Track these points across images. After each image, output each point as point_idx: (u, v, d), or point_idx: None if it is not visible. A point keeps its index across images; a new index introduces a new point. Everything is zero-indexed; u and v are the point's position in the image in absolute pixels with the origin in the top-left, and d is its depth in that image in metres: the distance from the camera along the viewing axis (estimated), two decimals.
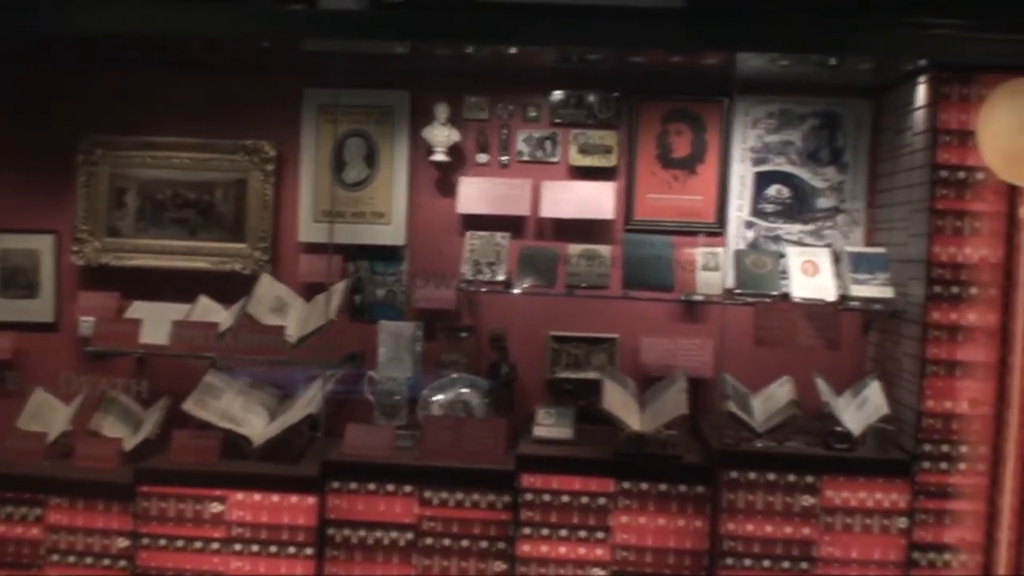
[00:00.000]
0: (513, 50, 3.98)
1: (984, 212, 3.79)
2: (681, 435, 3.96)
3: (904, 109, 4.08)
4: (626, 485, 3.84)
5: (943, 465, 3.81)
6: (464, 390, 4.17)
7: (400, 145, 4.41)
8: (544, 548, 3.85)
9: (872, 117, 4.40)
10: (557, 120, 4.41)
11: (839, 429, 3.88)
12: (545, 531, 3.84)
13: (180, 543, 3.88)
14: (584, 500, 3.84)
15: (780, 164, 4.38)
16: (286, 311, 4.24)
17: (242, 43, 4.06)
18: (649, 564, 3.84)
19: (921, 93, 3.93)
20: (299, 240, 4.46)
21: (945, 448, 3.81)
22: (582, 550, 3.85)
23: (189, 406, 4.03)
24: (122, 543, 3.89)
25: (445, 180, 4.44)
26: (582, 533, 3.84)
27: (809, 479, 3.82)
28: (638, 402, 4.11)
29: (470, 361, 4.37)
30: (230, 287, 4.34)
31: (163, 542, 3.88)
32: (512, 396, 4.28)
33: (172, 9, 3.73)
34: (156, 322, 4.14)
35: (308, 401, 4.07)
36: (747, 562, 3.82)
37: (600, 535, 3.84)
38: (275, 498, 3.85)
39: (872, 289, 4.05)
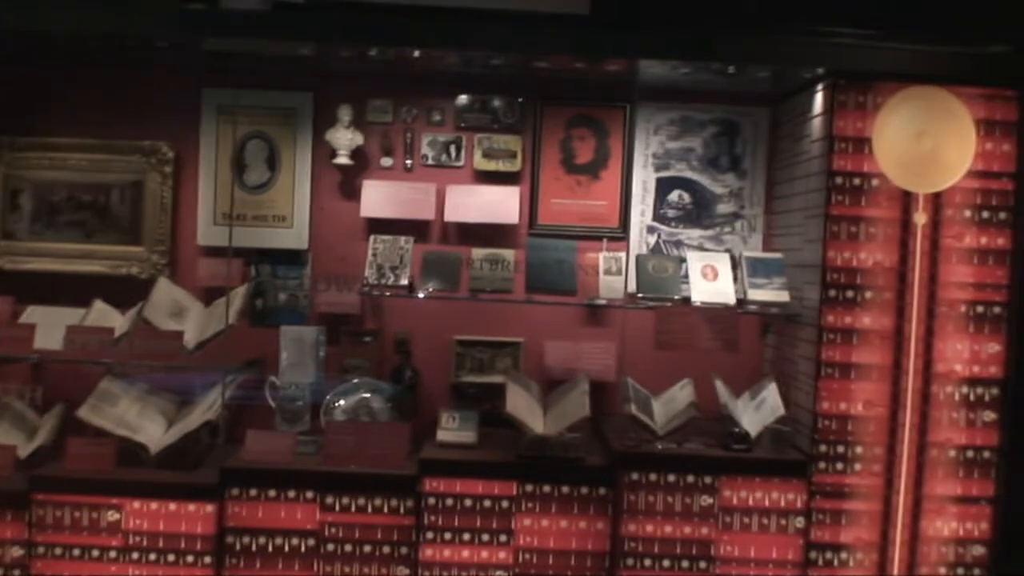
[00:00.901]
0: (417, 53, 3.97)
1: (879, 218, 3.88)
2: (583, 437, 3.98)
3: (802, 117, 4.16)
4: (529, 488, 3.84)
5: (839, 465, 3.89)
6: (367, 395, 4.14)
7: (303, 148, 4.37)
8: (447, 552, 3.84)
9: (770, 124, 4.49)
10: (462, 124, 4.42)
11: (737, 430, 3.95)
12: (448, 535, 3.83)
13: (76, 552, 3.79)
14: (487, 503, 3.84)
15: (681, 170, 4.45)
16: (185, 316, 4.17)
17: (141, 42, 3.98)
18: (551, 566, 3.85)
19: (818, 101, 4.01)
20: (198, 243, 4.40)
21: (840, 448, 3.88)
22: (485, 553, 3.84)
23: (84, 413, 3.94)
24: (16, 552, 3.79)
25: (349, 184, 4.42)
26: (485, 536, 3.84)
27: (708, 480, 3.87)
28: (541, 405, 4.13)
29: (373, 366, 4.35)
30: (127, 291, 4.25)
31: (58, 551, 3.78)
32: (416, 400, 4.27)
33: (68, 6, 3.66)
34: (51, 327, 4.03)
35: (207, 408, 4.01)
36: (647, 562, 3.86)
37: (503, 538, 3.84)
38: (172, 506, 3.78)
39: (769, 293, 4.12)
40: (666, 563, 3.87)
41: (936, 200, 3.89)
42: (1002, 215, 3.89)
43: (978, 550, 3.92)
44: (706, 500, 3.86)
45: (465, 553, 3.84)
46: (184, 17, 3.72)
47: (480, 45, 3.87)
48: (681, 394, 4.09)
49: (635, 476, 3.87)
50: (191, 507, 3.78)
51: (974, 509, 3.92)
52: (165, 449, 3.93)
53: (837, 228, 3.88)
